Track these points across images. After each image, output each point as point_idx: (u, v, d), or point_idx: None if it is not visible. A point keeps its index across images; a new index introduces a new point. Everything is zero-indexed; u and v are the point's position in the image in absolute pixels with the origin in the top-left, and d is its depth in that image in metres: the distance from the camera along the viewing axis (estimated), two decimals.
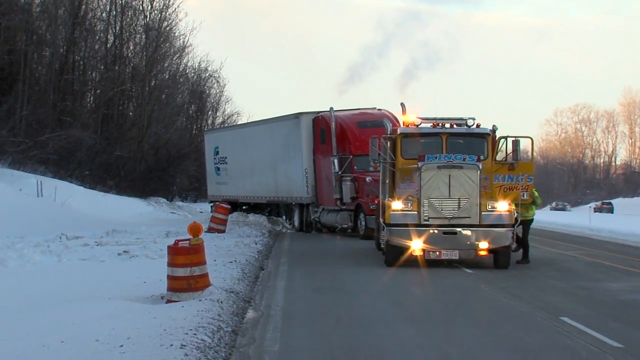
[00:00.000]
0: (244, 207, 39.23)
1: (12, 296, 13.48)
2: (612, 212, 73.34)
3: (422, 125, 20.53)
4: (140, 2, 56.21)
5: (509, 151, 20.51)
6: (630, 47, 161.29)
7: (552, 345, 10.78)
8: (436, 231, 18.71)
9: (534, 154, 20.75)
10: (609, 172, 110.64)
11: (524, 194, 20.57)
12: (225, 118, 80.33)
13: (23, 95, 42.33)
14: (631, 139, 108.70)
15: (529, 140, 21.10)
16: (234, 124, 71.35)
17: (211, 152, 42.12)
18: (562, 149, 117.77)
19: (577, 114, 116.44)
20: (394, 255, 19.17)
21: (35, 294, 13.68)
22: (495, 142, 20.56)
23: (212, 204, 37.78)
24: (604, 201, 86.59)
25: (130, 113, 57.80)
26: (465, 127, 20.41)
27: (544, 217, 50.23)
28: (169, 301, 12.79)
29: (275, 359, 9.92)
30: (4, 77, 42.47)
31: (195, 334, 10.13)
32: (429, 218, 18.80)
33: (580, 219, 43.60)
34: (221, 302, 12.63)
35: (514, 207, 19.54)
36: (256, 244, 24.32)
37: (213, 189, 42.08)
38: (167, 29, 59.44)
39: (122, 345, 9.43)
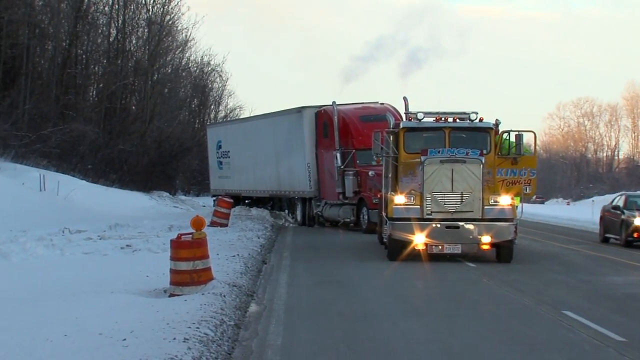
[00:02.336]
0: (246, 201, 39.27)
1: (16, 290, 13.49)
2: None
3: (425, 119, 20.50)
4: None
5: (511, 145, 20.57)
6: (633, 40, 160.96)
7: (555, 339, 10.78)
8: (439, 225, 18.72)
9: (537, 148, 20.81)
10: (612, 166, 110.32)
11: (526, 188, 20.71)
12: (228, 112, 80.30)
13: (26, 89, 42.32)
14: (634, 132, 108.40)
15: (532, 134, 21.16)
16: (237, 118, 71.32)
17: (214, 146, 42.14)
18: (564, 143, 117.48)
19: (580, 107, 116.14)
20: (397, 249, 19.18)
21: (38, 287, 13.70)
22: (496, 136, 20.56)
23: (214, 198, 37.85)
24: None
25: (133, 107, 57.77)
26: (468, 121, 20.38)
27: (548, 212, 50.27)
28: (172, 295, 12.81)
29: (278, 352, 9.93)
30: (7, 71, 42.46)
31: (198, 328, 10.14)
32: (431, 212, 18.80)
33: (583, 213, 43.57)
34: (224, 295, 12.64)
35: (516, 201, 19.61)
36: (259, 237, 24.34)
37: (216, 183, 42.11)
38: (170, 22, 59.38)
39: (125, 339, 9.44)
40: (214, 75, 76.13)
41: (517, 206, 22.25)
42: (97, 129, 47.11)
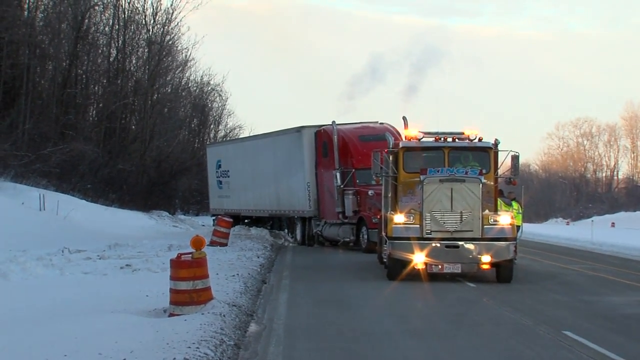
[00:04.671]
0: (246, 221, 39.26)
1: (15, 310, 13.48)
2: None
3: (424, 139, 20.56)
4: (143, 17, 56.37)
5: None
6: (631, 61, 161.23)
7: (555, 359, 10.76)
8: (438, 245, 18.71)
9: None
10: (611, 186, 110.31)
11: None
12: (228, 131, 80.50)
13: (26, 109, 42.38)
14: (633, 152, 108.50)
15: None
16: (236, 137, 71.47)
17: (213, 166, 42.20)
18: (564, 163, 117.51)
19: (579, 127, 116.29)
20: (397, 268, 19.16)
21: (37, 307, 13.69)
22: (497, 156, 20.60)
23: (214, 218, 37.85)
24: None
25: (133, 126, 57.86)
26: (467, 141, 20.43)
27: (547, 232, 50.22)
28: (171, 315, 12.80)
29: None
30: (7, 90, 42.55)
31: (198, 348, 10.13)
32: (431, 231, 18.79)
33: (583, 232, 43.54)
34: (224, 315, 12.64)
35: (517, 220, 19.65)
36: (258, 257, 24.34)
37: (215, 203, 42.13)
38: (170, 42, 59.57)
39: (125, 359, 9.44)
40: (214, 94, 76.39)
41: (518, 226, 22.36)
42: (97, 149, 47.16)
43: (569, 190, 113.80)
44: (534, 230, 46.16)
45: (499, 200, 22.53)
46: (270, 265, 23.64)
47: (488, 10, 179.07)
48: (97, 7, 51.78)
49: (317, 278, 20.37)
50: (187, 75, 68.72)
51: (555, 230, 52.66)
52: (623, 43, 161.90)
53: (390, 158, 20.80)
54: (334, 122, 30.58)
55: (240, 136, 71.35)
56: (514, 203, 24.28)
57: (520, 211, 24.50)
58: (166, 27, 57.65)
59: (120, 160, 50.36)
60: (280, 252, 29.37)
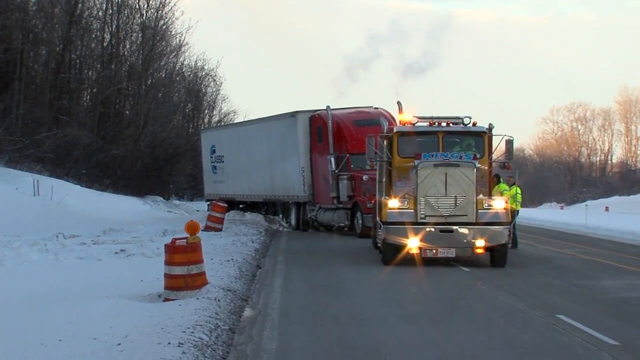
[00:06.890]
0: (240, 206, 39.27)
1: (9, 295, 13.47)
2: None
3: (419, 123, 20.56)
4: (137, 1, 56.18)
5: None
6: (626, 45, 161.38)
7: (549, 343, 10.81)
8: (433, 229, 18.73)
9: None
10: (605, 171, 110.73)
11: None
12: (222, 117, 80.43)
13: (19, 94, 42.28)
14: (627, 137, 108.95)
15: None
16: (231, 122, 71.38)
17: (208, 151, 42.16)
18: (558, 147, 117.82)
19: (574, 112, 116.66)
20: (391, 253, 19.18)
21: (32, 292, 13.68)
22: (491, 141, 20.62)
23: (208, 203, 37.86)
24: None
25: (127, 112, 57.78)
26: (461, 125, 20.43)
27: (541, 216, 50.33)
28: (166, 299, 12.81)
29: (272, 357, 9.94)
30: (0, 75, 42.42)
31: (192, 332, 10.15)
32: (425, 216, 18.81)
33: (577, 217, 43.67)
34: (218, 300, 12.66)
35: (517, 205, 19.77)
36: (253, 242, 24.35)
37: (210, 188, 42.13)
38: (164, 27, 59.41)
39: (119, 344, 9.45)
40: (208, 79, 76.26)
41: (518, 210, 22.52)
42: (91, 134, 47.11)
43: (563, 175, 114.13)
44: (528, 215, 46.26)
45: (503, 185, 22.72)
46: (265, 250, 23.66)
47: None
48: None
49: (312, 263, 20.40)
50: (181, 60, 68.65)
51: (549, 215, 52.78)
52: (617, 27, 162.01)
53: (385, 143, 20.79)
54: (328, 107, 30.53)
55: (235, 121, 71.29)
56: (517, 188, 24.30)
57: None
58: (160, 11, 57.57)
59: (115, 145, 50.32)
60: (275, 237, 29.39)
